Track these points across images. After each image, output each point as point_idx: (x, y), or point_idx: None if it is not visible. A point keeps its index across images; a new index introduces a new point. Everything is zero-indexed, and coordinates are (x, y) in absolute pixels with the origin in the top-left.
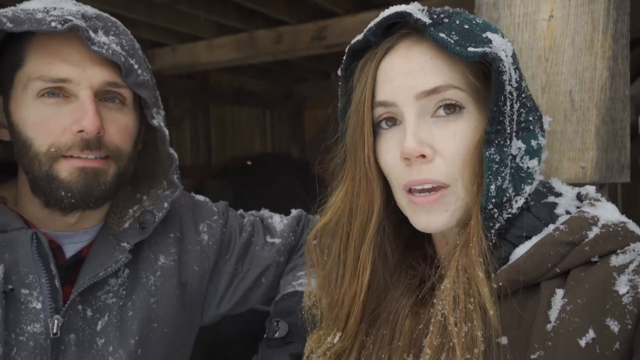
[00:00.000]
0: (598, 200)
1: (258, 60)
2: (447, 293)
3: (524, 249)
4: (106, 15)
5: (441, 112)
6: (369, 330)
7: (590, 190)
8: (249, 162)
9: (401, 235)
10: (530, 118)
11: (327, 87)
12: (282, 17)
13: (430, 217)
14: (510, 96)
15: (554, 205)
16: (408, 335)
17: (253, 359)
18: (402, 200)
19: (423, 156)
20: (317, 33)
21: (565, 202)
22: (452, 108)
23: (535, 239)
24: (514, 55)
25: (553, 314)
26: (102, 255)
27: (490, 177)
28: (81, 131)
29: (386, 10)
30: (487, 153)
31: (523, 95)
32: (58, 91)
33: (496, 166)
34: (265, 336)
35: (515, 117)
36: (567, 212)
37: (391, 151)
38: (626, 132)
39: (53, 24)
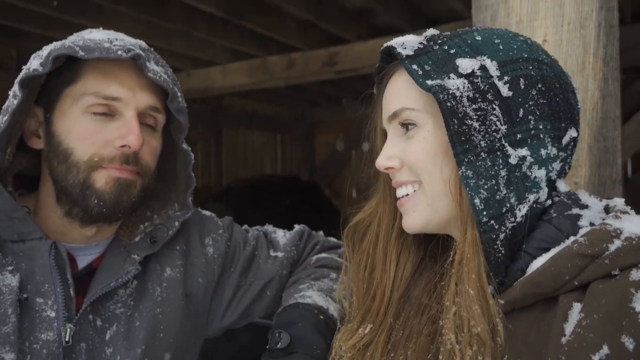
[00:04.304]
0: (626, 212)
1: (270, 85)
2: (447, 315)
3: (541, 261)
4: (153, 49)
5: (404, 129)
6: (398, 314)
7: (619, 202)
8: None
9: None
10: (540, 126)
11: (338, 111)
12: (294, 43)
13: (406, 218)
14: (478, 112)
15: (578, 217)
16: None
17: None
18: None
19: (392, 168)
20: (328, 59)
21: (591, 214)
22: (408, 126)
23: (553, 251)
24: (504, 64)
25: (569, 327)
26: (113, 266)
27: (471, 192)
28: (124, 146)
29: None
30: (459, 172)
31: (531, 103)
32: (106, 109)
33: (472, 181)
34: (267, 347)
35: (502, 127)
36: (592, 224)
37: None
38: (617, 149)
39: (119, 52)
